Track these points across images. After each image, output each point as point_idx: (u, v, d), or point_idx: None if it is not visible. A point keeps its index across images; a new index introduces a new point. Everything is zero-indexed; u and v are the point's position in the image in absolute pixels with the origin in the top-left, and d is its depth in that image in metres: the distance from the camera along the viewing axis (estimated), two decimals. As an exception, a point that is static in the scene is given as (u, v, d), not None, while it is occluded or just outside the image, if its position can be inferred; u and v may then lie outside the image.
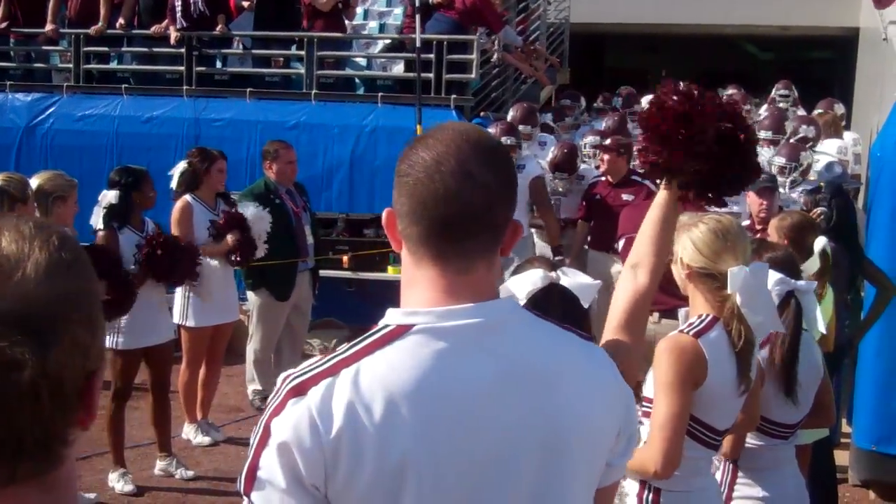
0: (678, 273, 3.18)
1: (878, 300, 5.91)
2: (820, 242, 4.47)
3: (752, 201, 6.25)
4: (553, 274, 2.48)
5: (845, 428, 6.84)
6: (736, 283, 2.97)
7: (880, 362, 6.24)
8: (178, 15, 10.54)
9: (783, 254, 3.70)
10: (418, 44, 9.11)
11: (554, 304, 2.38)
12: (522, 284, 2.43)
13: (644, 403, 3.11)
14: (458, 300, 1.56)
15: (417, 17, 9.16)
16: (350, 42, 11.06)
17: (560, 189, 8.53)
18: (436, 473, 1.50)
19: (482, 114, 9.98)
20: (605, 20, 15.83)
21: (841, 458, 6.52)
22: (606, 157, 8.01)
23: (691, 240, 3.10)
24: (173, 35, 10.57)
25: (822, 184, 6.40)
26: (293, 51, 10.75)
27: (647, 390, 3.11)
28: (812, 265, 4.58)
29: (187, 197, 6.82)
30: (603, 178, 8.18)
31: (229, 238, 6.81)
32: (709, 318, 3.06)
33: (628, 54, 20.55)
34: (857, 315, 6.26)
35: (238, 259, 6.93)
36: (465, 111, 9.91)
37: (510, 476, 1.55)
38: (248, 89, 10.45)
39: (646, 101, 11.18)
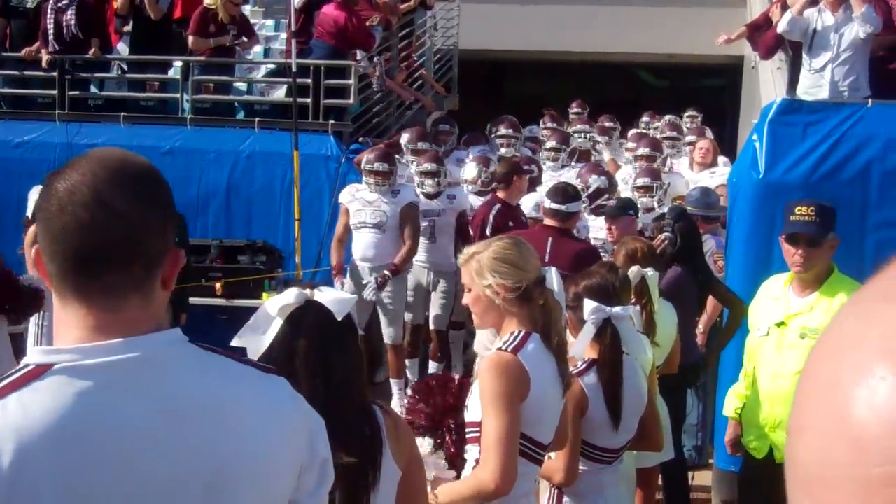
0: (488, 303, 3.15)
1: (731, 320, 6.01)
2: (633, 272, 4.55)
3: (606, 227, 6.34)
4: (308, 291, 2.48)
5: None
6: (552, 280, 3.13)
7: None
8: (51, 38, 10.28)
9: (598, 281, 3.72)
10: (294, 68, 9.04)
11: (308, 320, 2.43)
12: (276, 303, 2.46)
13: (468, 429, 3.10)
14: (108, 337, 1.45)
15: (293, 41, 9.09)
16: (232, 67, 10.93)
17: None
18: None
19: (360, 139, 9.93)
20: (498, 47, 15.96)
21: (705, 478, 6.60)
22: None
23: (498, 260, 3.11)
24: (45, 58, 10.33)
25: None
26: (169, 75, 10.58)
27: (470, 415, 3.09)
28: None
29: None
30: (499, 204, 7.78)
31: None
32: (522, 333, 3.09)
33: (527, 80, 20.75)
34: (714, 336, 6.36)
35: None
36: (344, 136, 9.87)
37: None
38: (122, 114, 10.24)
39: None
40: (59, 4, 10.24)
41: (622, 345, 3.66)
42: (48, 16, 10.29)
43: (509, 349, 3.05)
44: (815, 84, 7.00)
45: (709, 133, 9.71)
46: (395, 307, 7.86)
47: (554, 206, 6.11)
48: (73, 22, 10.24)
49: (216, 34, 10.19)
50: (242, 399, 1.55)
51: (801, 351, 4.22)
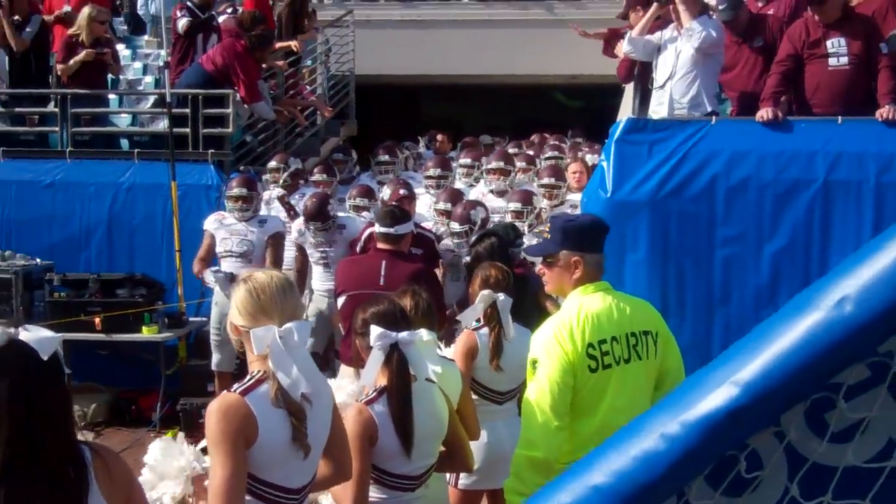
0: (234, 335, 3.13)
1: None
2: (485, 296, 4.64)
3: None
4: (11, 330, 2.44)
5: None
6: (259, 345, 2.94)
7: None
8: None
9: (385, 307, 3.72)
10: (168, 98, 8.99)
11: (11, 360, 2.37)
12: None
13: None
14: None
15: (166, 72, 9.04)
16: (111, 98, 10.82)
17: (316, 239, 8.30)
18: None
19: (241, 168, 9.86)
20: (397, 71, 16.03)
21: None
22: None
23: (234, 300, 3.08)
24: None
25: None
26: (49, 108, 10.45)
27: None
28: (468, 316, 4.71)
29: None
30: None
31: None
32: (260, 374, 3.00)
33: (442, 104, 20.86)
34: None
35: None
36: (225, 165, 9.81)
37: None
38: (1, 149, 10.10)
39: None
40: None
41: (412, 370, 3.66)
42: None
43: (238, 390, 2.96)
44: (658, 102, 7.07)
45: (589, 157, 9.76)
46: None
47: (384, 229, 6.16)
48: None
49: None
50: None
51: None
